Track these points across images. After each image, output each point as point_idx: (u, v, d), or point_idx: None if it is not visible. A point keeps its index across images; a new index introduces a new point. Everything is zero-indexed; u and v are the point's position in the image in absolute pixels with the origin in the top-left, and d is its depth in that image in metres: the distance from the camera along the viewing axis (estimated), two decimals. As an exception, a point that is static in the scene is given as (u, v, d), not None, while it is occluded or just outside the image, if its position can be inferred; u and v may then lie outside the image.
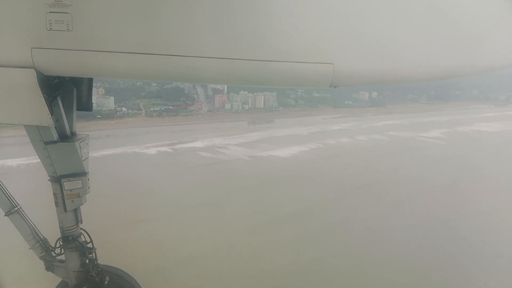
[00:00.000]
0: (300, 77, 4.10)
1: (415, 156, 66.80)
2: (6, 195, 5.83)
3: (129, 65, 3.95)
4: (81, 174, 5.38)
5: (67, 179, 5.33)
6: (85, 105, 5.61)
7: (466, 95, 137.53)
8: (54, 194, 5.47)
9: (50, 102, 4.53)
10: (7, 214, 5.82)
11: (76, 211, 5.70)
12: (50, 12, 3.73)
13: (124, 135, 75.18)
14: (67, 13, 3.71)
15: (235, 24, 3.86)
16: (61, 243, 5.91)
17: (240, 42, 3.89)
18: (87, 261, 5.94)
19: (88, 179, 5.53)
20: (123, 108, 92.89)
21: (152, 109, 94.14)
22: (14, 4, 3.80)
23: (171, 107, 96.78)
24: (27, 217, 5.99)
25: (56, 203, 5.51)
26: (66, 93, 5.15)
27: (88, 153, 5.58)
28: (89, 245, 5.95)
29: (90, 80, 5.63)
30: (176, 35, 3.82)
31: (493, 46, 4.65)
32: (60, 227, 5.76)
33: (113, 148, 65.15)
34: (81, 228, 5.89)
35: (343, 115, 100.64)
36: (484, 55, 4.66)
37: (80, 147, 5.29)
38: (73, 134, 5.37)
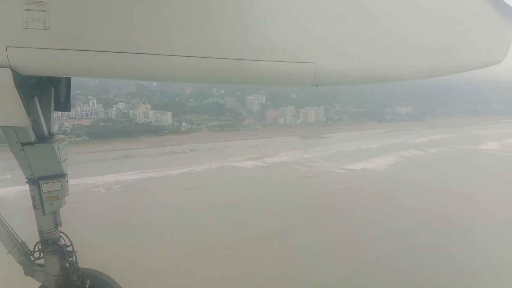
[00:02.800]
0: (282, 76, 4.15)
1: (501, 164, 72.22)
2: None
3: (107, 64, 3.91)
4: (59, 175, 5.31)
5: (46, 181, 5.26)
6: (63, 105, 5.55)
7: (490, 109, 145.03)
8: (32, 197, 5.39)
9: (27, 102, 4.48)
10: None
11: (55, 214, 5.61)
12: (26, 10, 3.68)
13: (206, 149, 77.66)
14: (44, 11, 3.67)
15: (216, 22, 3.88)
16: (40, 247, 5.82)
17: (221, 41, 3.91)
18: (67, 264, 5.87)
19: (67, 181, 5.45)
20: (183, 123, 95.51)
21: (210, 124, 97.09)
22: None
23: (227, 122, 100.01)
24: (4, 221, 5.91)
25: (34, 205, 5.42)
26: (43, 93, 5.10)
27: (66, 154, 5.52)
28: (69, 248, 5.86)
29: (68, 80, 5.59)
30: (155, 33, 3.83)
31: (473, 45, 4.80)
32: (39, 231, 5.65)
33: (210, 162, 67.74)
34: (60, 231, 5.76)
35: (393, 129, 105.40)
36: (464, 54, 4.80)
37: (58, 148, 5.24)
38: (51, 135, 5.33)
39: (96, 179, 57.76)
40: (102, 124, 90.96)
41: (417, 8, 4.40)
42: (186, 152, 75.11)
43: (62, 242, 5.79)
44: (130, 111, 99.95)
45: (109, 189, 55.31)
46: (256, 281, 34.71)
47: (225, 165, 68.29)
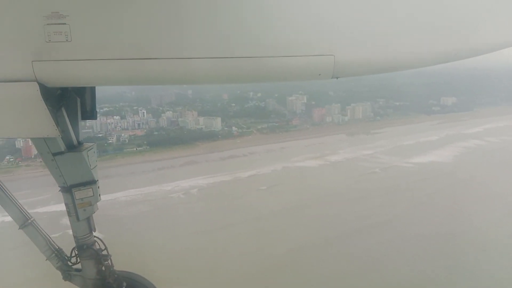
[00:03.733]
0: (302, 71, 4.16)
1: None
2: (19, 209, 6.04)
3: (129, 71, 3.99)
4: (91, 182, 5.50)
5: (78, 188, 5.46)
6: (90, 114, 5.70)
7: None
8: (66, 204, 5.60)
9: (55, 113, 4.61)
10: (21, 227, 6.03)
11: (89, 220, 5.80)
12: (48, 24, 3.78)
13: (264, 152, 79.04)
14: (65, 24, 3.77)
15: (232, 22, 3.94)
16: (76, 252, 6.04)
17: (239, 40, 3.96)
18: (103, 268, 6.05)
19: (98, 187, 5.62)
20: (233, 128, 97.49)
21: (259, 127, 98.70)
22: (12, 18, 3.87)
23: (275, 123, 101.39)
24: (41, 229, 6.11)
25: (68, 212, 5.63)
26: (70, 103, 5.22)
27: (96, 161, 5.69)
28: (104, 252, 6.04)
29: (93, 89, 5.73)
30: (174, 37, 3.90)
31: (490, 26, 4.74)
32: (74, 237, 5.86)
33: (273, 163, 69.01)
34: (95, 236, 5.94)
35: (443, 121, 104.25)
36: (482, 36, 4.74)
37: (88, 156, 5.42)
38: (79, 143, 5.49)
39: (172, 185, 59.88)
40: (156, 133, 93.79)
41: None
42: (246, 155, 76.74)
43: (97, 247, 6.00)
44: (179, 119, 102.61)
45: (187, 193, 57.30)
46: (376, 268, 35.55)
47: (289, 165, 69.42)
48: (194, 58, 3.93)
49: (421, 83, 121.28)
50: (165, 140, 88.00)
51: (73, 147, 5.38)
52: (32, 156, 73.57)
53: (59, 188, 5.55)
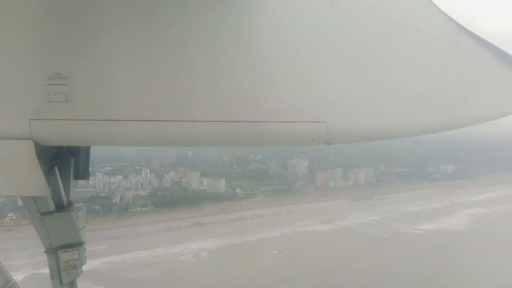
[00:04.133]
0: (295, 136, 4.23)
1: None
2: (1, 270, 5.97)
3: (127, 132, 4.03)
4: (77, 244, 5.39)
5: (63, 250, 5.33)
6: (82, 174, 5.65)
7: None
8: (50, 267, 5.42)
9: (48, 172, 4.53)
10: None
11: (72, 284, 5.64)
12: (49, 84, 3.83)
13: (271, 214, 78.45)
14: (66, 84, 3.83)
15: (229, 87, 4.01)
16: None
17: (235, 104, 4.01)
18: None
19: (85, 249, 5.51)
20: (237, 189, 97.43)
21: (263, 189, 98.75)
22: (15, 78, 3.93)
23: (278, 186, 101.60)
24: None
25: (51, 276, 5.45)
26: (63, 162, 5.17)
27: (84, 222, 5.57)
28: None
29: (88, 148, 5.73)
30: (171, 100, 3.96)
31: (482, 97, 4.88)
32: None
33: (282, 227, 68.27)
34: None
35: (445, 188, 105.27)
36: (474, 107, 4.85)
37: (77, 216, 5.33)
38: (70, 203, 5.40)
39: (180, 247, 58.60)
40: (160, 193, 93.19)
41: (424, 64, 4.51)
42: (253, 218, 76.03)
43: None
44: (183, 180, 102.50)
45: (197, 256, 55.95)
46: None
47: (298, 229, 68.65)
48: (192, 121, 4.01)
49: (420, 151, 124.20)
50: (170, 200, 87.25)
51: (63, 207, 5.28)
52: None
53: (44, 250, 5.44)
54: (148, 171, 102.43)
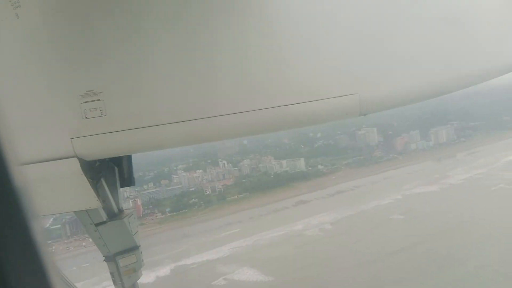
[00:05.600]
0: (328, 113, 4.25)
1: None
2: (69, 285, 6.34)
3: (164, 136, 4.19)
4: (133, 248, 5.73)
5: (121, 256, 5.67)
6: (128, 181, 5.99)
7: None
8: (111, 273, 5.79)
9: (95, 184, 4.76)
10: None
11: (134, 287, 5.96)
12: (84, 102, 4.03)
13: (368, 184, 78.41)
14: (99, 100, 4.02)
15: (256, 74, 4.08)
16: None
17: (264, 91, 4.08)
18: None
19: (141, 252, 5.83)
20: (319, 166, 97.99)
21: (345, 162, 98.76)
22: (51, 100, 4.16)
23: (359, 157, 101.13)
24: None
25: (114, 281, 5.82)
26: (108, 173, 5.49)
27: (137, 226, 5.93)
28: None
29: (129, 157, 6.01)
30: (202, 98, 4.09)
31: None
32: None
33: (387, 194, 68.12)
34: None
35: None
36: (506, 54, 4.74)
37: (129, 222, 5.63)
38: (120, 210, 5.73)
39: (300, 224, 59.76)
40: (244, 180, 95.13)
41: (452, 17, 4.38)
42: (352, 189, 76.32)
43: None
44: (260, 165, 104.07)
45: (323, 230, 57.01)
46: None
47: (407, 193, 68.23)
48: (223, 115, 4.08)
49: (485, 103, 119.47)
50: (259, 185, 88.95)
51: (114, 215, 5.61)
52: (141, 215, 75.69)
53: (104, 258, 5.80)
54: (226, 162, 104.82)
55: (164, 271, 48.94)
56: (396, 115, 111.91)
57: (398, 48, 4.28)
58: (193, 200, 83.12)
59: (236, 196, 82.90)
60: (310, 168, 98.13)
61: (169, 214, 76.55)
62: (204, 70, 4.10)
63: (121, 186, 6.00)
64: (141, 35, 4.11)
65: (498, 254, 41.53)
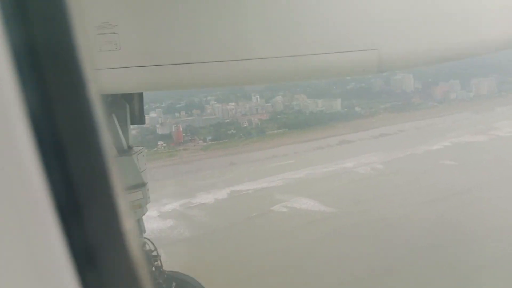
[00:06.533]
0: (346, 66, 4.29)
1: None
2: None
3: (177, 76, 4.26)
4: (140, 185, 5.76)
5: (129, 191, 5.74)
6: (138, 119, 5.86)
7: None
8: None
9: (105, 119, 5.14)
10: None
11: (139, 222, 6.01)
12: (99, 34, 4.07)
13: (412, 129, 78.08)
14: (114, 33, 4.06)
15: (275, 21, 4.07)
16: None
17: (282, 39, 4.09)
18: (153, 269, 6.22)
19: (148, 189, 5.79)
20: (356, 108, 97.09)
21: (382, 107, 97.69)
22: None
23: (397, 103, 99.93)
24: None
25: None
26: (119, 110, 5.39)
27: (145, 164, 5.82)
28: (154, 253, 6.10)
29: (141, 95, 5.79)
30: (220, 41, 4.08)
31: None
32: None
33: (436, 141, 67.88)
34: (144, 237, 6.10)
35: None
36: None
37: (138, 160, 5.61)
38: (129, 147, 5.63)
39: (349, 162, 60.07)
40: (279, 116, 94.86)
41: None
42: (397, 133, 75.98)
43: (147, 248, 6.05)
44: (293, 103, 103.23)
45: (374, 169, 57.43)
46: None
47: (456, 140, 67.91)
48: (239, 60, 4.05)
49: None
50: (296, 122, 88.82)
51: (124, 151, 5.59)
52: (182, 141, 76.57)
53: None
54: (258, 97, 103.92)
55: (221, 193, 50.19)
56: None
57: (421, 7, 4.22)
58: (232, 131, 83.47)
59: (275, 131, 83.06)
60: (346, 109, 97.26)
61: (210, 142, 77.25)
62: (224, 12, 4.08)
63: (131, 124, 6.02)
64: None
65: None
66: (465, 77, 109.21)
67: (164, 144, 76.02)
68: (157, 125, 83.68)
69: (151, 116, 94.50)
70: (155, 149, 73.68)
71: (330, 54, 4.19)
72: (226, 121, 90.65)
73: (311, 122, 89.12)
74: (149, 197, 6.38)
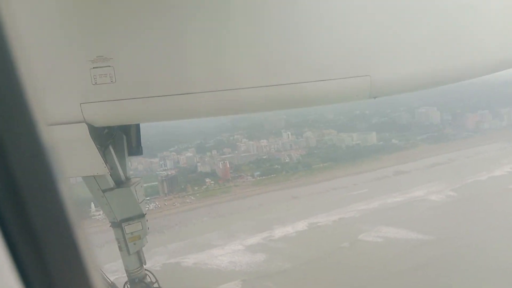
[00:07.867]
0: (338, 93, 4.25)
1: None
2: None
3: (172, 107, 4.22)
4: (139, 216, 5.81)
5: (127, 223, 5.75)
6: (136, 150, 6.14)
7: None
8: (117, 239, 5.90)
9: (103, 151, 4.94)
10: None
11: (139, 253, 6.10)
12: (94, 68, 4.04)
13: (462, 157, 78.05)
14: (109, 66, 4.02)
15: (269, 51, 4.08)
16: (128, 286, 6.30)
17: (276, 67, 4.08)
18: None
19: (147, 220, 5.94)
20: (393, 140, 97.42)
21: (419, 138, 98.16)
22: (61, 65, 4.18)
23: (433, 134, 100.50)
24: None
25: (119, 247, 5.94)
26: (117, 141, 5.63)
27: (144, 195, 6.10)
28: (155, 285, 6.29)
29: (138, 126, 6.11)
30: (211, 71, 4.09)
31: None
32: (126, 271, 6.20)
33: (493, 168, 67.71)
34: (145, 269, 6.23)
35: None
36: None
37: (136, 191, 5.75)
38: (127, 179, 5.85)
39: (414, 191, 59.49)
40: (316, 151, 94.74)
41: (465, 6, 4.32)
42: (448, 162, 75.81)
43: (148, 280, 6.26)
44: (326, 138, 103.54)
45: (448, 196, 56.74)
46: None
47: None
48: (233, 90, 4.05)
49: None
50: (337, 156, 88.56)
51: (122, 182, 5.67)
52: (229, 178, 75.53)
53: (110, 224, 5.93)
54: (290, 133, 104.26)
55: (300, 225, 49.07)
56: (455, 92, 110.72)
57: (412, 33, 4.20)
58: (276, 166, 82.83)
59: (321, 165, 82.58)
60: (381, 142, 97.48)
61: (258, 178, 76.34)
62: (217, 43, 4.06)
63: (129, 155, 6.10)
64: (154, 3, 4.09)
65: None
66: (492, 107, 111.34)
67: (212, 182, 74.88)
68: (198, 164, 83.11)
69: (187, 156, 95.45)
70: (205, 186, 72.53)
71: (323, 81, 4.11)
72: (264, 157, 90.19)
73: (352, 155, 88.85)
74: (148, 228, 6.08)
